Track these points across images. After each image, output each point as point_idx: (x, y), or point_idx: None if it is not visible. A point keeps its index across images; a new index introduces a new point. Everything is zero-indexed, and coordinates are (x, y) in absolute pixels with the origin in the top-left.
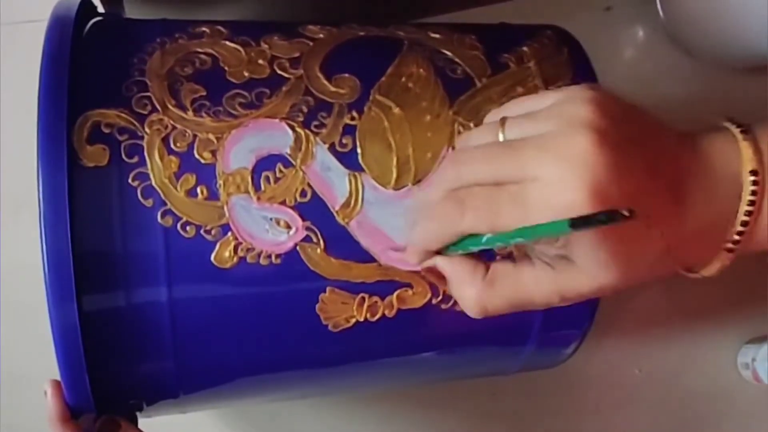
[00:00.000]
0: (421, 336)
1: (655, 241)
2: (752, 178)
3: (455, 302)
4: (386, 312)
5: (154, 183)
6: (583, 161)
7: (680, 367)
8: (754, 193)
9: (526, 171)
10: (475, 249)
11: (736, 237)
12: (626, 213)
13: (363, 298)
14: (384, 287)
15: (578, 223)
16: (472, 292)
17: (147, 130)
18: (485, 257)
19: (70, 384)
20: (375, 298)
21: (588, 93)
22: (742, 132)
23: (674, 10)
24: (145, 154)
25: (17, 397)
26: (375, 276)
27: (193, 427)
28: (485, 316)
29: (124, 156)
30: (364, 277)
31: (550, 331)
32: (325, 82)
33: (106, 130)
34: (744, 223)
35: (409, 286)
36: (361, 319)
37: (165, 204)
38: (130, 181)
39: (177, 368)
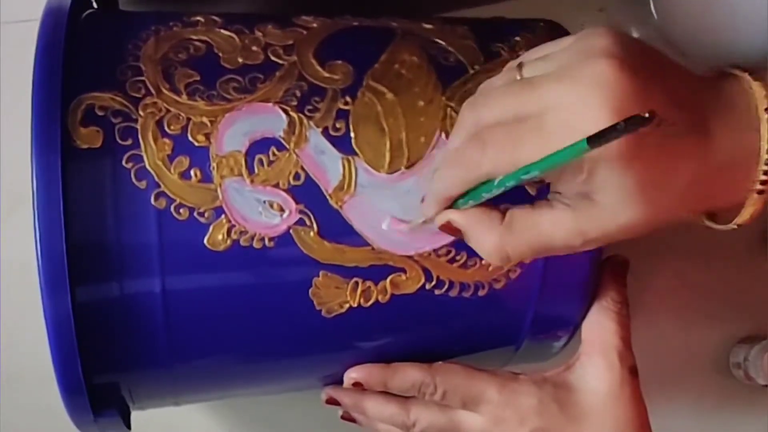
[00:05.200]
0: (415, 322)
1: (680, 172)
2: None
3: (449, 287)
4: (380, 297)
5: (147, 165)
6: (603, 81)
7: (672, 367)
8: None
9: (544, 102)
10: (488, 195)
11: (764, 177)
12: (646, 115)
13: (356, 283)
14: (377, 272)
15: (595, 138)
16: (492, 239)
17: (141, 113)
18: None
19: (63, 374)
20: (368, 283)
21: (604, 29)
22: (751, 74)
23: (668, 12)
24: (139, 136)
25: (17, 397)
26: (368, 260)
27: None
28: (508, 264)
29: (118, 138)
30: (357, 261)
31: (543, 318)
32: (319, 68)
33: (100, 113)
34: None
35: (403, 270)
36: (355, 305)
37: (158, 186)
38: (123, 163)
39: (170, 354)
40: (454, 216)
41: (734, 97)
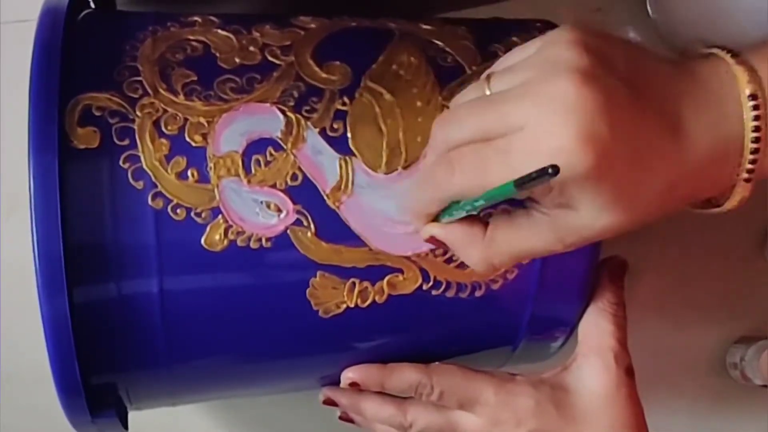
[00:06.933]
0: (412, 322)
1: (655, 178)
2: (752, 102)
3: (446, 288)
4: (377, 298)
5: (144, 165)
6: (568, 103)
7: (668, 368)
8: (757, 117)
9: (509, 122)
10: (458, 215)
11: (750, 165)
12: (550, 170)
13: (353, 284)
14: (375, 272)
15: (521, 181)
16: (476, 253)
17: (138, 113)
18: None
19: (60, 375)
20: (366, 284)
21: (569, 34)
22: (732, 57)
23: (664, 11)
24: (136, 136)
25: (15, 398)
26: (366, 261)
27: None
28: (494, 272)
29: (115, 138)
30: (354, 261)
31: (540, 319)
32: (317, 68)
33: (98, 113)
34: (754, 150)
35: (400, 271)
36: (352, 305)
37: (155, 186)
38: (120, 163)
39: (168, 355)
40: (436, 231)
41: (713, 83)
